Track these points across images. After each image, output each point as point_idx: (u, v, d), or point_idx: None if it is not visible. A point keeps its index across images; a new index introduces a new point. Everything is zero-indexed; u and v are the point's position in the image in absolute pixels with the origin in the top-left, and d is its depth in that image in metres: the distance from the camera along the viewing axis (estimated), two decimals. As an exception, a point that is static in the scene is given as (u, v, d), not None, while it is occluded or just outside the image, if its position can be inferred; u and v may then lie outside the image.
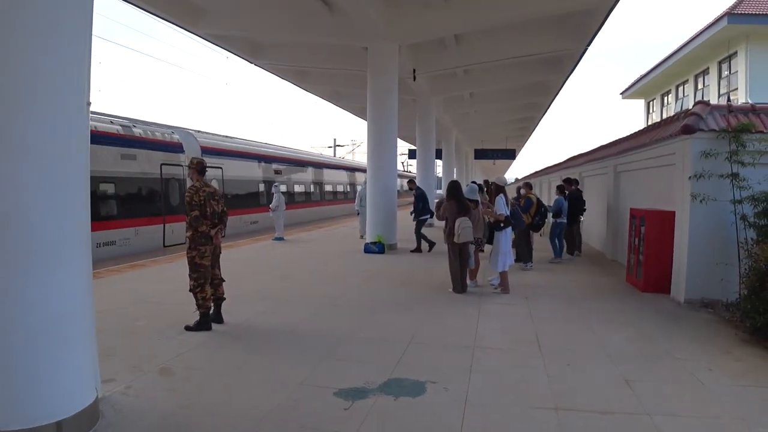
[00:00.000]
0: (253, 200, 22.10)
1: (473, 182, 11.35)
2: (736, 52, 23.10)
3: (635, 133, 12.44)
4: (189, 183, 17.21)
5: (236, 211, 20.45)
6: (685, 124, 8.50)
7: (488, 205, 9.90)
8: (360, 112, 27.87)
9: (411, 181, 14.19)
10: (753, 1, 22.93)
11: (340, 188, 35.25)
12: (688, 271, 8.52)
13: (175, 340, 6.40)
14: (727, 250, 8.16)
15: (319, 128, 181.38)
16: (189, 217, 6.85)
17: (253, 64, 19.19)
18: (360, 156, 65.02)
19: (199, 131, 20.30)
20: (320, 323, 7.35)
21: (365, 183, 16.71)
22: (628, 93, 34.92)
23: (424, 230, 14.88)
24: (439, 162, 33.64)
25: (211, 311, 7.04)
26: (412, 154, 37.13)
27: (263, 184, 23.06)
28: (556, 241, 13.17)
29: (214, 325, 6.95)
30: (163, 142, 16.96)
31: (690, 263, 8.49)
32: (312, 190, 30.73)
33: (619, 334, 6.96)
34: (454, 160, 35.44)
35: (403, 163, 66.33)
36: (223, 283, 7.35)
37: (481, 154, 36.56)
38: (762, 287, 6.69)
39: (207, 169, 7.36)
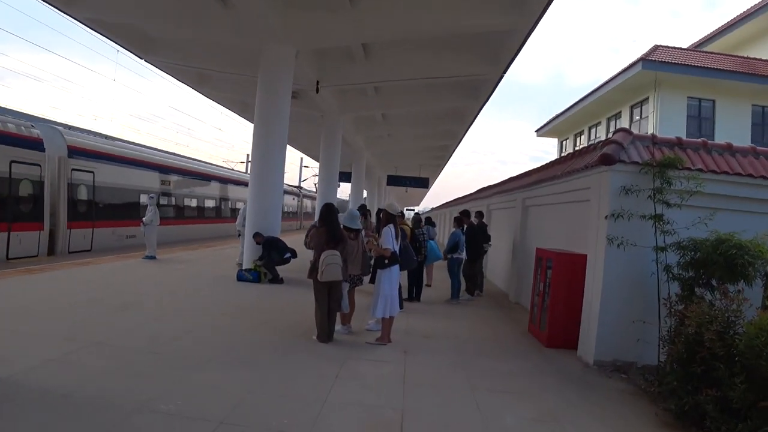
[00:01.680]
0: (131, 211, 19.36)
1: (362, 206, 9.57)
2: (647, 98, 22.94)
3: (548, 164, 11.15)
4: (48, 184, 14.57)
5: (108, 223, 17.92)
6: (603, 154, 7.09)
7: (373, 237, 8.13)
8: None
9: (257, 234, 12.24)
10: (666, 50, 23.00)
11: (240, 204, 32.81)
12: (600, 327, 7.04)
13: None
14: (646, 305, 6.76)
15: (234, 142, 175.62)
16: None
17: (143, 60, 16.92)
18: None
19: (70, 128, 17.61)
20: (120, 381, 5.25)
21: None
22: (543, 131, 34.72)
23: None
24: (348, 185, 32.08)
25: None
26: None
27: (146, 194, 20.52)
28: (454, 280, 11.63)
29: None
30: (15, 136, 14.24)
31: (602, 318, 7.02)
32: (209, 205, 28.17)
33: (513, 411, 5.29)
34: (364, 184, 33.93)
35: (315, 184, 63.60)
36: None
37: (393, 180, 35.17)
38: (690, 358, 5.24)
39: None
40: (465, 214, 12.86)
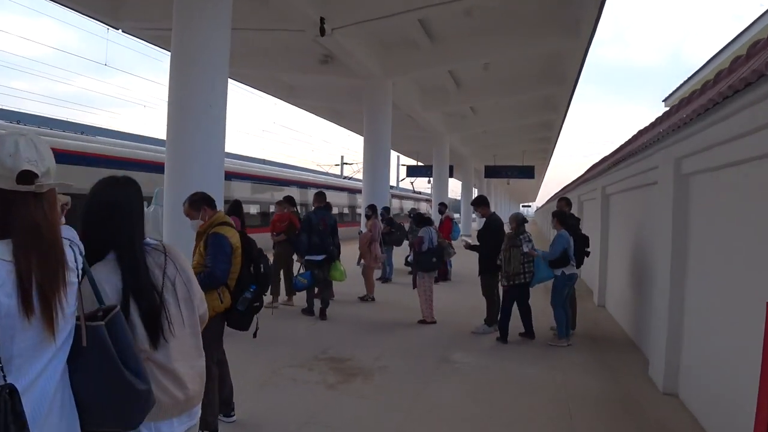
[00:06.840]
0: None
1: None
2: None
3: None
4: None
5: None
6: None
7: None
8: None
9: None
10: None
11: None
12: None
13: None
14: None
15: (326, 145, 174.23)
16: None
17: (115, 28, 12.42)
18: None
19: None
20: None
21: None
22: (672, 99, 26.63)
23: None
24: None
25: None
26: (410, 172, 29.65)
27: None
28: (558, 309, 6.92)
29: None
30: None
31: None
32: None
33: None
34: (458, 177, 27.77)
35: (412, 183, 45.42)
36: None
37: (492, 171, 28.55)
38: None
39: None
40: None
